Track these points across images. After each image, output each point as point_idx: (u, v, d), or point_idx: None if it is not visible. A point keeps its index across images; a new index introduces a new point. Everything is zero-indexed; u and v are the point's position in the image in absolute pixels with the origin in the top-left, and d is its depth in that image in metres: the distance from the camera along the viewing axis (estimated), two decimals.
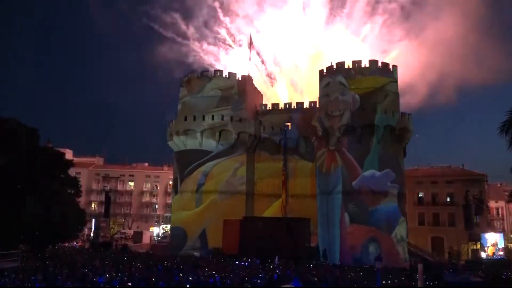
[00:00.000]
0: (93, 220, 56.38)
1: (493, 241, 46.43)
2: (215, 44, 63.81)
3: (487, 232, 47.78)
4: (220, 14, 64.30)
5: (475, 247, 44.34)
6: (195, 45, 64.22)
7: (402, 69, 49.33)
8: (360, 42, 56.83)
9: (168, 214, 69.90)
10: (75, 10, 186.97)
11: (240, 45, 60.56)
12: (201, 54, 63.40)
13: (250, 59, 54.25)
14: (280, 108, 51.58)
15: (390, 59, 49.62)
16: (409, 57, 57.69)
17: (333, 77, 44.93)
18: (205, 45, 63.67)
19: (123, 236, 62.34)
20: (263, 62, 61.15)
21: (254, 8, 62.14)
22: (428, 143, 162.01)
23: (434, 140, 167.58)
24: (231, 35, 64.01)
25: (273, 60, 61.92)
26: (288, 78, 61.18)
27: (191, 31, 65.18)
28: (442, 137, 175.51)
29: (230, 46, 62.60)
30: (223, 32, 64.00)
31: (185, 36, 64.49)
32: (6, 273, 20.16)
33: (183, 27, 65.28)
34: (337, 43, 55.91)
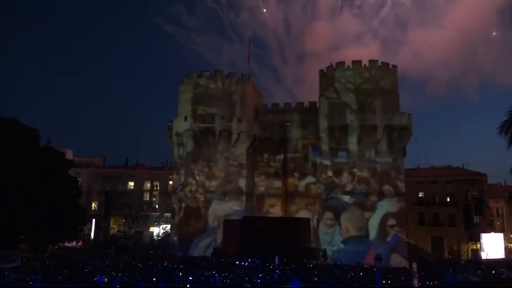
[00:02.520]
0: (93, 220, 56.31)
1: (493, 241, 46.34)
2: (217, 40, 63.72)
3: (487, 232, 47.69)
4: (225, 8, 64.25)
5: (475, 247, 44.34)
6: (197, 40, 64.14)
7: (413, 64, 49.05)
8: (370, 34, 56.51)
9: (168, 214, 69.86)
10: (75, 10, 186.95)
11: (242, 41, 60.32)
12: (203, 50, 63.34)
13: (249, 61, 54.19)
14: (280, 108, 51.60)
15: (403, 52, 49.50)
16: (425, 51, 57.34)
17: (332, 78, 45.05)
18: (207, 41, 63.64)
19: (123, 236, 62.27)
20: (268, 56, 61.22)
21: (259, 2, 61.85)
22: (428, 143, 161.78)
23: (435, 140, 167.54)
24: (234, 30, 63.95)
25: (278, 54, 61.86)
26: (291, 74, 61.21)
27: (194, 26, 65.07)
28: (442, 137, 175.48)
29: (233, 41, 62.48)
30: (226, 27, 63.85)
31: (187, 30, 64.40)
32: (6, 273, 20.19)
33: (186, 20, 65.15)
34: (347, 35, 55.59)
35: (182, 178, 47.36)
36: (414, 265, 19.78)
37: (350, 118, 42.80)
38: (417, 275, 19.18)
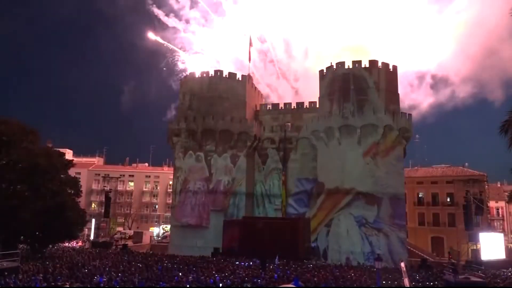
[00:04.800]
0: (93, 220, 56.31)
1: (493, 241, 46.20)
2: (220, 35, 63.24)
3: (487, 232, 47.58)
4: (229, 3, 63.78)
5: (475, 247, 44.24)
6: (200, 36, 63.58)
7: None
8: (381, 26, 55.66)
9: (168, 214, 69.83)
10: (74, 10, 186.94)
11: (246, 36, 59.92)
12: (206, 45, 62.84)
13: (250, 60, 54.19)
14: (280, 108, 51.58)
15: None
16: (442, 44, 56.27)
17: (332, 78, 45.07)
18: (210, 35, 63.10)
19: (123, 236, 62.25)
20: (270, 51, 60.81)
21: None
22: (428, 143, 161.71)
23: (434, 140, 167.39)
24: (238, 24, 63.54)
25: (283, 50, 61.50)
26: (296, 69, 60.92)
27: (196, 21, 64.46)
28: (442, 137, 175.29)
29: (236, 36, 62.06)
30: (229, 22, 63.43)
31: (189, 24, 63.91)
32: (6, 273, 20.15)
33: (189, 14, 64.56)
34: (355, 27, 54.71)
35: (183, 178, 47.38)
36: (402, 264, 19.57)
37: (351, 118, 42.74)
38: (406, 274, 19.01)
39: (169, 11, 65.97)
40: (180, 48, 62.54)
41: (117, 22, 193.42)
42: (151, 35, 66.03)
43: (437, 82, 60.95)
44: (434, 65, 57.06)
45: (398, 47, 55.70)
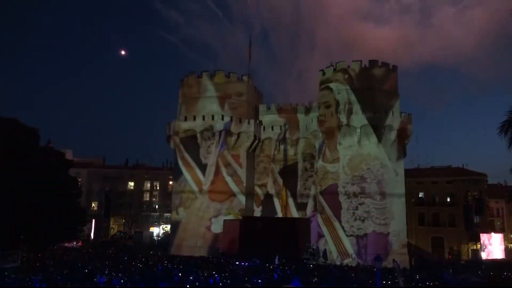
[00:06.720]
0: (93, 220, 56.36)
1: (493, 241, 46.29)
2: (223, 30, 63.47)
3: (487, 232, 47.69)
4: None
5: (475, 247, 44.36)
6: (203, 31, 63.72)
7: None
8: (391, 20, 55.42)
9: (168, 214, 69.85)
10: (73, 9, 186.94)
11: (250, 31, 59.86)
12: (207, 41, 62.97)
13: (250, 59, 54.11)
14: (280, 107, 51.55)
15: None
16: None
17: (332, 78, 45.05)
18: (212, 31, 63.27)
19: (123, 236, 62.31)
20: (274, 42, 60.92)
21: None
22: (428, 143, 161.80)
23: (434, 140, 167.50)
24: (241, 20, 63.80)
25: (287, 46, 61.58)
26: (300, 67, 60.95)
27: (197, 16, 64.64)
28: (442, 137, 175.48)
29: (239, 32, 62.15)
30: (233, 17, 63.63)
31: (190, 20, 64.08)
32: (6, 273, 20.18)
33: (191, 8, 64.70)
34: (364, 22, 54.61)
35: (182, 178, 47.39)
36: (395, 264, 19.59)
37: (350, 118, 42.72)
38: (400, 274, 19.04)
39: (170, 6, 66.01)
40: (181, 46, 62.52)
41: (117, 20, 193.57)
42: (151, 32, 65.91)
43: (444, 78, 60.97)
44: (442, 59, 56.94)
45: (402, 43, 55.70)
